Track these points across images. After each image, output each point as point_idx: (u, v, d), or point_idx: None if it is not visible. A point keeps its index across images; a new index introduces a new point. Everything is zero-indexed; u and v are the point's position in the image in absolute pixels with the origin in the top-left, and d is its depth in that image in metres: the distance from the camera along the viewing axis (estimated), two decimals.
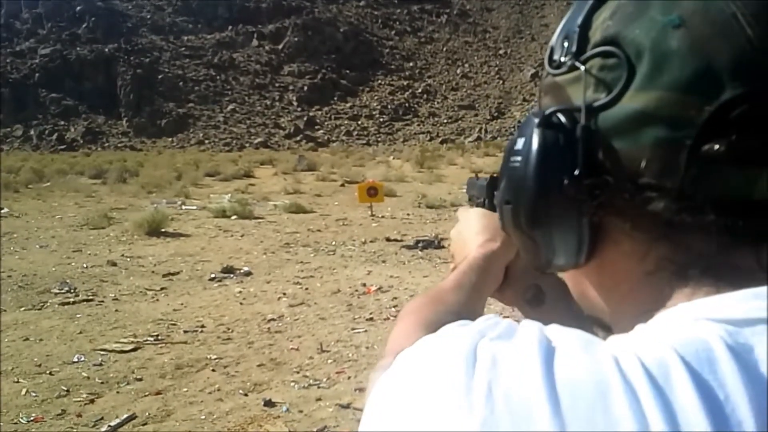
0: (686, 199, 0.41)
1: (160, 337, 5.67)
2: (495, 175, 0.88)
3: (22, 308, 6.71)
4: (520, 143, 0.48)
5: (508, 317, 0.45)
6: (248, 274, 8.18)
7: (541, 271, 0.54)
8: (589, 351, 0.37)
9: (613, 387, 0.35)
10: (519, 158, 0.47)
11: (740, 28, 0.40)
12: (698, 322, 0.39)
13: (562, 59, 0.47)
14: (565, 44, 0.47)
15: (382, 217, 13.31)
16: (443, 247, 9.63)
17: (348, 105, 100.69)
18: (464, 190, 1.05)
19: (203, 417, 4.12)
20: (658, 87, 0.41)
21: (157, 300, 7.03)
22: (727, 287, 0.42)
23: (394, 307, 6.44)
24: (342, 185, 21.08)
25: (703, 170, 0.41)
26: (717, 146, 0.40)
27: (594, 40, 0.45)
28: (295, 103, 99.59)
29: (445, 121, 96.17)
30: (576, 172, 0.44)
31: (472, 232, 0.86)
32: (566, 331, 0.40)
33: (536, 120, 0.46)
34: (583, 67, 0.45)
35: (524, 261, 0.83)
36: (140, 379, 4.75)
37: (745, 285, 0.41)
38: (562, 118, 0.46)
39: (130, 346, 5.42)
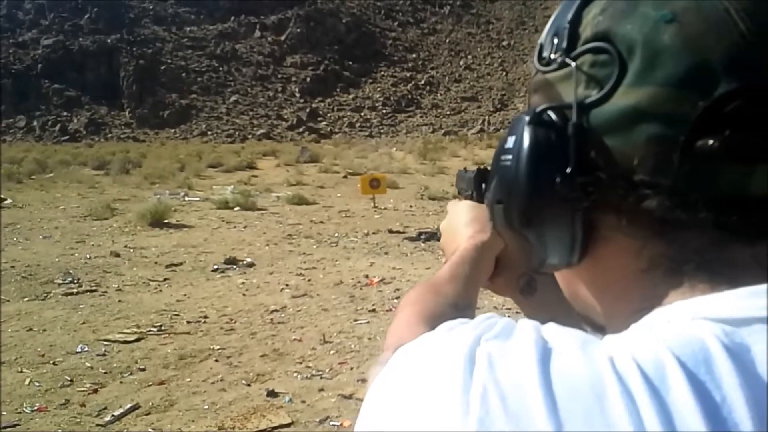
0: (680, 196, 0.41)
1: (163, 328, 5.69)
2: (482, 167, 0.89)
3: (26, 299, 6.73)
4: (510, 142, 0.47)
5: (509, 316, 0.44)
6: (251, 265, 8.20)
7: (534, 271, 0.54)
8: (585, 351, 0.37)
9: (609, 388, 0.34)
10: (510, 157, 0.47)
11: (733, 24, 0.40)
12: (694, 322, 0.39)
13: (552, 56, 0.46)
14: (555, 41, 0.46)
15: (385, 208, 13.31)
16: None
17: (351, 96, 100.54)
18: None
19: (206, 407, 4.13)
20: (650, 83, 0.40)
21: (160, 291, 7.05)
22: (723, 283, 0.41)
23: (396, 298, 6.44)
24: (344, 177, 21.08)
25: (696, 166, 0.40)
26: (711, 142, 0.39)
27: (584, 36, 0.44)
28: (297, 95, 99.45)
29: (448, 112, 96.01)
30: (568, 170, 0.43)
31: (462, 224, 0.87)
32: (563, 331, 0.39)
33: (527, 118, 0.46)
34: (573, 64, 0.44)
35: (514, 248, 0.83)
36: (143, 369, 4.77)
37: (741, 281, 0.40)
38: (553, 116, 0.45)
39: (134, 337, 5.43)
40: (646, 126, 0.41)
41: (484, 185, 0.88)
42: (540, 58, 0.49)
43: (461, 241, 0.85)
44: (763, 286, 0.39)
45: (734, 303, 0.39)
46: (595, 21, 0.44)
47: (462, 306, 0.73)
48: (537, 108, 0.46)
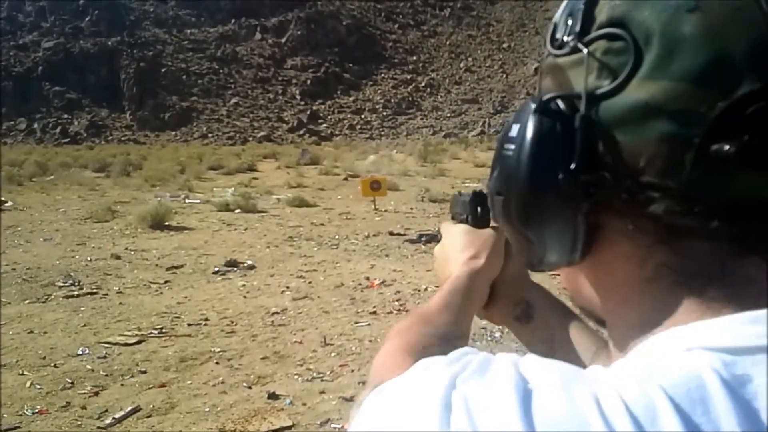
0: (690, 202, 0.38)
1: (164, 330, 5.69)
2: (478, 190, 0.86)
3: (27, 301, 6.73)
4: (514, 130, 0.44)
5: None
6: (252, 267, 8.20)
7: (532, 269, 0.51)
8: (568, 390, 0.34)
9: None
10: (513, 146, 0.44)
11: (762, 16, 0.37)
12: (691, 353, 0.36)
13: (565, 39, 0.43)
14: (569, 22, 0.43)
15: (385, 211, 13.30)
16: None
17: (351, 99, 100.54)
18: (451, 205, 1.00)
19: (207, 409, 4.13)
20: (666, 76, 0.37)
21: (161, 293, 7.05)
22: (735, 298, 0.39)
23: (397, 300, 6.44)
24: (345, 179, 21.07)
25: (710, 171, 0.37)
26: (727, 146, 0.36)
27: (600, 20, 0.41)
28: (298, 97, 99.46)
29: (449, 115, 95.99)
30: (572, 166, 0.40)
31: (456, 249, 0.83)
32: (543, 366, 0.37)
33: (533, 106, 0.43)
34: (585, 50, 0.41)
35: (510, 275, 0.81)
36: (144, 372, 4.77)
37: (755, 297, 0.38)
38: (562, 105, 0.42)
39: (135, 339, 5.43)
40: (658, 123, 0.38)
41: (479, 209, 0.85)
42: (553, 39, 0.45)
43: (454, 267, 0.81)
44: (764, 312, 0.37)
45: (735, 330, 0.36)
46: (612, 3, 0.41)
47: (453, 337, 0.70)
48: (544, 96, 0.43)
